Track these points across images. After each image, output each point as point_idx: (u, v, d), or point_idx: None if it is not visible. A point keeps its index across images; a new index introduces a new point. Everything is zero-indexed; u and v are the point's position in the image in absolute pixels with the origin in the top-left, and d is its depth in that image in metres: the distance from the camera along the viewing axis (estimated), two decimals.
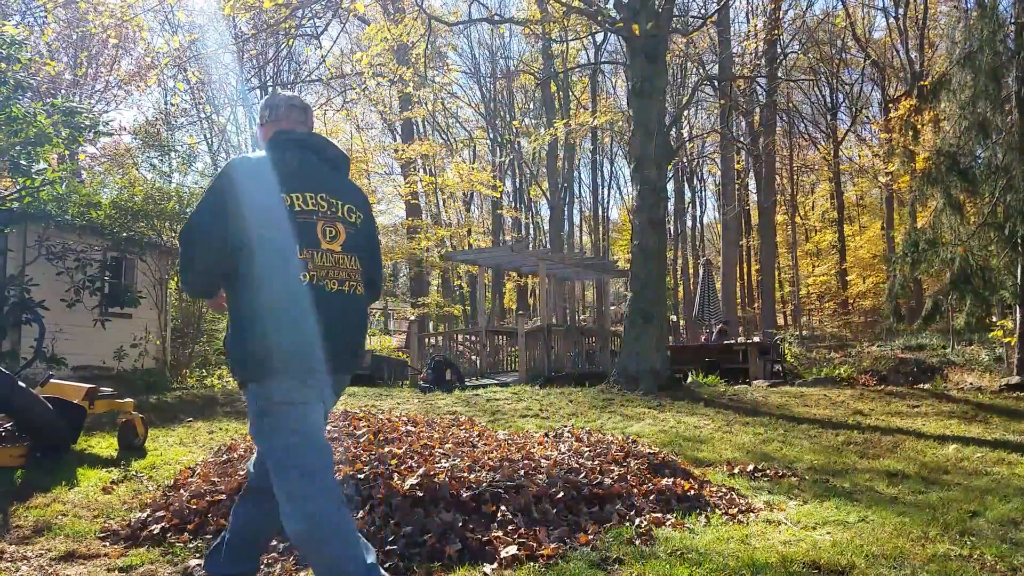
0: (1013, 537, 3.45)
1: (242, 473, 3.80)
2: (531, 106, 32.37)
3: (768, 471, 5.11)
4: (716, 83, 22.12)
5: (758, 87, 24.89)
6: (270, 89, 27.35)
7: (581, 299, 39.29)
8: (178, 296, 11.73)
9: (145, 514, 3.68)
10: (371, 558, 2.20)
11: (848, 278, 28.49)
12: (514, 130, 29.07)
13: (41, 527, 3.60)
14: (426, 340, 15.22)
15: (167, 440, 6.00)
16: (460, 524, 3.24)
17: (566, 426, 5.86)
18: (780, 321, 30.26)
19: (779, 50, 24.50)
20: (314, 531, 2.12)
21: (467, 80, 32.59)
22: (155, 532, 3.47)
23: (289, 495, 2.17)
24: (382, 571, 2.24)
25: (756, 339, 16.57)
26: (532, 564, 2.97)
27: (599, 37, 21.16)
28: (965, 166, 9.90)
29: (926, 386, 10.29)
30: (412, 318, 20.34)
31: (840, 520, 3.78)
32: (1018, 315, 10.06)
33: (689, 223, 35.50)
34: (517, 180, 34.54)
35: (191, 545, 3.34)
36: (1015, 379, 9.50)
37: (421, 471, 3.54)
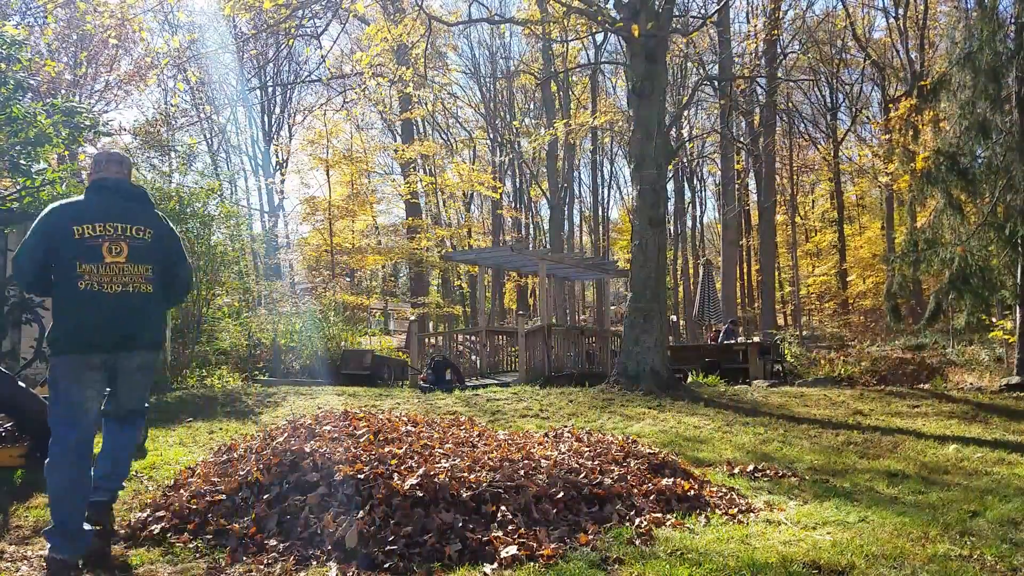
0: (1013, 537, 3.45)
1: (242, 473, 3.80)
2: (531, 106, 32.37)
3: (768, 471, 5.11)
4: (716, 83, 22.14)
5: (758, 87, 24.89)
6: (270, 89, 27.41)
7: (581, 299, 39.34)
8: None
9: (145, 514, 3.69)
10: (96, 496, 3.32)
11: (848, 278, 28.49)
12: (514, 130, 29.07)
13: (41, 527, 3.59)
14: (426, 340, 15.20)
15: (167, 440, 6.00)
16: (460, 524, 3.24)
17: (566, 426, 5.86)
18: (780, 321, 30.25)
19: (779, 50, 24.49)
20: (52, 446, 3.14)
21: (467, 80, 32.64)
22: (155, 532, 3.48)
23: (51, 420, 3.22)
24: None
25: (756, 339, 16.57)
26: (532, 564, 2.97)
27: (599, 37, 21.14)
28: (965, 166, 9.89)
29: (926, 386, 10.29)
30: (412, 318, 20.32)
31: (840, 520, 3.78)
32: (1018, 315, 10.06)
33: (689, 223, 35.56)
34: (517, 180, 34.55)
35: (191, 545, 3.34)
36: (1015, 379, 9.49)
37: (421, 471, 3.54)
